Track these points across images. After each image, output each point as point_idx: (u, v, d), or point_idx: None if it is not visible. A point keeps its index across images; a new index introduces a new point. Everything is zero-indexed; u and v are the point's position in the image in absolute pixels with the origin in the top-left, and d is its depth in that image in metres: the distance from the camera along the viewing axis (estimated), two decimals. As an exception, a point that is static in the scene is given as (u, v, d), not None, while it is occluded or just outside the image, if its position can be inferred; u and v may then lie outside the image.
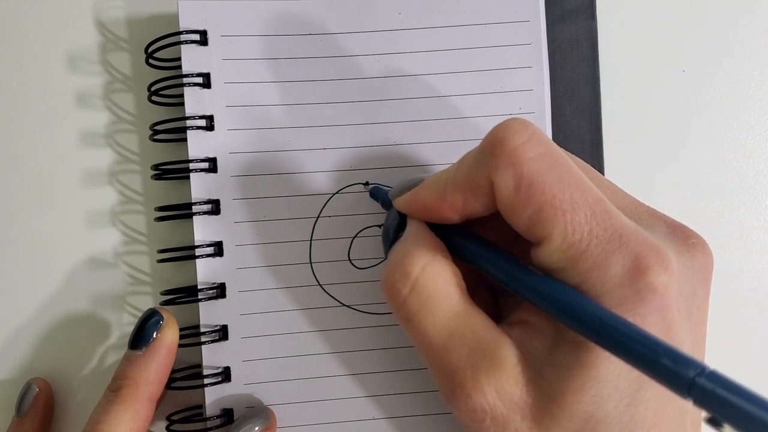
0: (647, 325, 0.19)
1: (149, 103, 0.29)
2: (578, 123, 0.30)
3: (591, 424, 0.20)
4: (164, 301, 0.29)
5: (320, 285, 0.29)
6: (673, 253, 0.21)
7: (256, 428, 0.27)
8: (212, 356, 0.28)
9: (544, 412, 0.20)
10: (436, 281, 0.22)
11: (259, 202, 0.29)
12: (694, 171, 0.32)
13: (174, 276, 0.30)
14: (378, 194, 0.28)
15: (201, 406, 0.29)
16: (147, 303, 0.30)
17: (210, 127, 0.29)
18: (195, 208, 0.29)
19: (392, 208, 0.25)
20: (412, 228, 0.24)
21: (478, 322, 0.22)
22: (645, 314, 0.19)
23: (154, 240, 0.30)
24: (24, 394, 0.29)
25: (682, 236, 0.22)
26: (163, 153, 0.30)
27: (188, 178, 0.29)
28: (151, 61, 0.29)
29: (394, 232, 0.25)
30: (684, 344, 0.20)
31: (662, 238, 0.22)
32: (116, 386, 0.26)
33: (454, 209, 0.23)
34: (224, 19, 0.29)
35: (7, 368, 0.30)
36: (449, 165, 0.24)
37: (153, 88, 0.29)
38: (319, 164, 0.29)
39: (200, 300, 0.28)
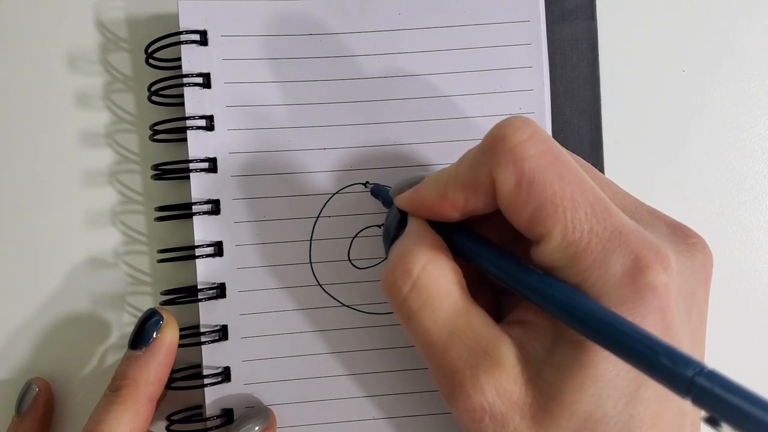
0: (646, 324, 0.19)
1: (149, 103, 0.29)
2: (578, 123, 0.30)
3: (590, 424, 0.20)
4: (164, 301, 0.29)
5: (320, 285, 0.29)
6: (673, 253, 0.21)
7: (256, 428, 0.27)
8: (212, 356, 0.28)
9: (543, 412, 0.20)
10: (437, 279, 0.22)
11: (259, 202, 0.29)
12: (694, 171, 0.32)
13: (174, 276, 0.30)
14: (379, 193, 0.28)
15: (201, 406, 0.29)
16: (147, 303, 0.30)
17: (210, 127, 0.29)
18: (195, 208, 0.29)
19: (393, 206, 0.25)
20: (413, 226, 0.24)
21: (479, 321, 0.22)
22: (644, 313, 0.19)
23: (154, 240, 0.30)
24: (24, 394, 0.29)
25: (682, 236, 0.22)
26: (163, 153, 0.30)
27: (188, 178, 0.29)
28: (151, 61, 0.29)
29: (394, 230, 0.25)
30: (683, 344, 0.20)
31: (662, 237, 0.22)
32: (116, 386, 0.26)
33: (455, 207, 0.23)
34: (224, 19, 0.29)
35: (7, 368, 0.30)
36: (450, 165, 0.24)
37: (153, 88, 0.29)
38: (319, 164, 0.29)
39: (200, 300, 0.28)
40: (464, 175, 0.22)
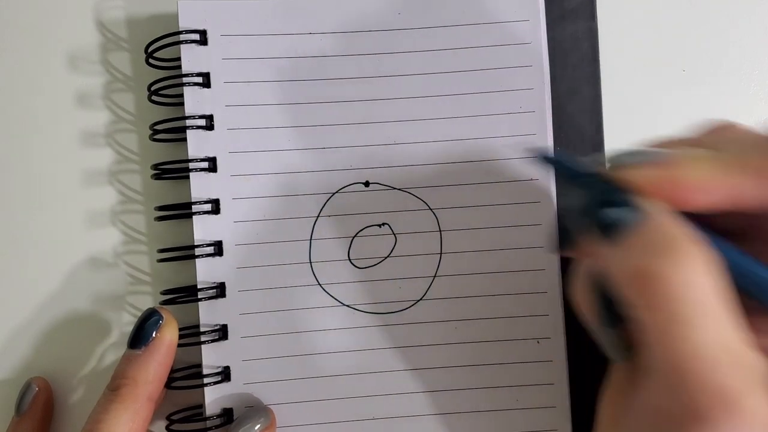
0: None
1: (149, 102, 0.29)
2: (579, 122, 0.30)
3: None
4: (164, 301, 0.29)
5: (320, 285, 0.29)
6: None
7: (256, 428, 0.27)
8: (212, 356, 0.28)
9: None
10: (713, 283, 0.18)
11: (259, 202, 0.29)
12: (695, 171, 0.32)
13: (174, 276, 0.30)
14: (558, 162, 0.23)
15: (201, 406, 0.29)
16: (147, 303, 0.30)
17: (210, 127, 0.29)
18: (195, 208, 0.29)
19: (596, 181, 0.21)
20: (660, 212, 0.19)
21: (745, 339, 0.18)
22: None
23: (154, 240, 0.30)
24: (24, 393, 0.29)
25: None
26: (163, 153, 0.30)
27: (188, 177, 0.29)
28: (151, 60, 0.29)
29: (598, 209, 0.20)
30: None
31: None
32: (115, 385, 0.26)
33: (731, 196, 0.19)
34: (224, 19, 0.29)
35: (7, 368, 0.30)
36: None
37: (153, 88, 0.29)
38: (319, 164, 0.29)
39: (200, 300, 0.28)
40: (759, 160, 0.19)
